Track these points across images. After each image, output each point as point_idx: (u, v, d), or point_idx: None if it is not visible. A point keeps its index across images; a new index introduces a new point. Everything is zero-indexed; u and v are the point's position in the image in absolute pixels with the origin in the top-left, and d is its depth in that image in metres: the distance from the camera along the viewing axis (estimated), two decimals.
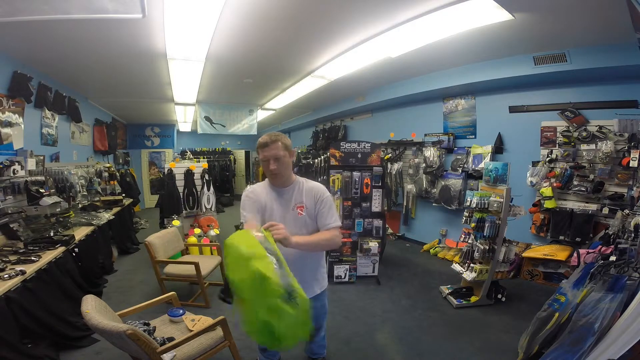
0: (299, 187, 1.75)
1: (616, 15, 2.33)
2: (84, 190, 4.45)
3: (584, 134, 3.40)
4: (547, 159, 3.64)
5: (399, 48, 3.31)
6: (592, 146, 3.32)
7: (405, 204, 5.55)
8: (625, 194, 3.13)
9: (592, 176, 3.32)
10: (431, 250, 4.97)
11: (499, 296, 3.20)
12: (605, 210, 3.21)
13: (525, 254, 3.47)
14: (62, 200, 3.40)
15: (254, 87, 5.23)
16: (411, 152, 5.42)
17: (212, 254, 3.97)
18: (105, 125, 6.36)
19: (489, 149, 4.29)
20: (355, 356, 2.41)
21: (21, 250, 2.64)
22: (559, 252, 3.33)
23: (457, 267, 3.39)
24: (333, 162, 3.83)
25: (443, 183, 4.81)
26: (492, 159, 4.21)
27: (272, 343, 1.21)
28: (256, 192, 1.79)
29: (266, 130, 10.92)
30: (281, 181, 1.73)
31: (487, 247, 3.09)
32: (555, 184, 3.52)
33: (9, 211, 2.90)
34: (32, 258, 2.46)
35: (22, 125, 3.44)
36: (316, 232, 1.72)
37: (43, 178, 3.41)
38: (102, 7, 2.21)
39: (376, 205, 3.90)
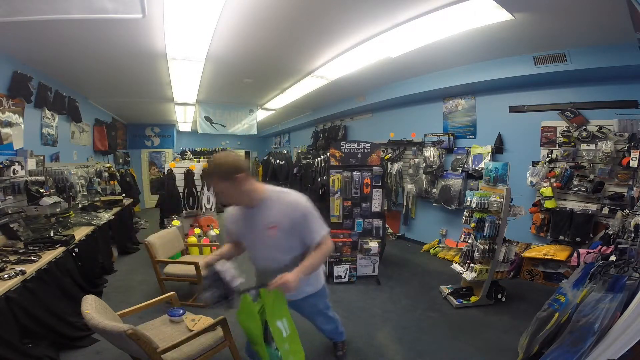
0: (269, 205, 1.55)
1: (616, 15, 2.33)
2: (84, 190, 4.45)
3: (584, 134, 3.40)
4: (547, 159, 3.64)
5: (399, 48, 3.31)
6: (592, 146, 3.32)
7: (405, 204, 5.55)
8: (625, 194, 3.13)
9: (592, 176, 3.32)
10: (431, 250, 4.96)
11: (499, 296, 3.20)
12: (605, 210, 3.21)
13: (525, 254, 3.47)
14: (62, 200, 3.40)
15: (254, 87, 5.23)
16: (411, 152, 5.42)
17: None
18: (105, 125, 6.36)
19: (489, 149, 4.29)
20: (355, 356, 2.41)
21: (21, 250, 2.64)
22: (559, 252, 3.33)
23: (457, 267, 3.39)
24: (333, 162, 3.83)
25: (443, 183, 4.81)
26: (492, 159, 4.21)
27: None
28: (230, 216, 1.73)
29: (266, 130, 10.93)
30: (244, 204, 1.60)
31: (487, 247, 3.09)
32: (555, 184, 3.52)
33: (9, 211, 2.90)
34: (32, 258, 2.46)
35: (22, 125, 3.44)
36: (294, 248, 1.62)
37: (43, 178, 3.41)
38: (102, 7, 2.21)
39: (376, 205, 3.90)
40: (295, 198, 1.58)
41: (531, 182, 3.72)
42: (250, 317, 1.50)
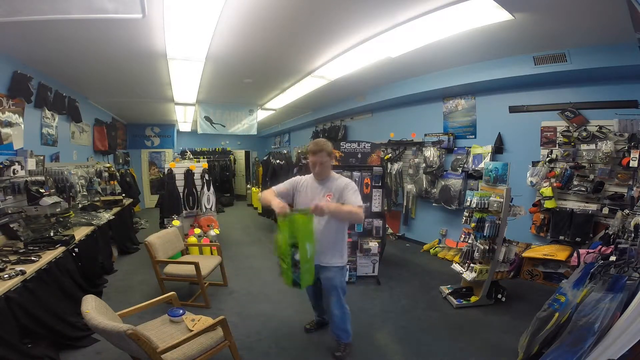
0: (332, 181, 2.26)
1: (616, 15, 2.33)
2: (84, 190, 4.45)
3: (584, 134, 3.40)
4: (547, 159, 3.64)
5: (399, 48, 3.31)
6: (592, 146, 3.32)
7: (405, 204, 5.55)
8: (625, 194, 3.13)
9: (592, 176, 3.32)
10: (431, 250, 4.97)
11: (499, 296, 3.20)
12: (605, 210, 3.21)
13: (525, 254, 3.47)
14: (62, 200, 3.40)
15: (254, 87, 5.23)
16: (411, 152, 5.42)
17: (212, 254, 3.97)
18: (105, 125, 6.36)
19: (489, 149, 4.30)
20: (355, 356, 2.40)
21: (21, 250, 2.64)
22: (559, 252, 3.33)
23: (457, 267, 3.39)
24: (333, 162, 3.83)
25: (443, 183, 4.81)
26: (492, 159, 4.21)
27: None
28: (301, 178, 2.38)
29: (266, 130, 10.93)
30: (321, 177, 2.27)
31: (487, 247, 3.09)
32: (555, 184, 3.52)
33: (9, 211, 2.90)
34: (32, 258, 2.46)
35: (22, 125, 3.43)
36: None
37: (43, 178, 3.41)
38: (102, 7, 2.21)
39: (376, 205, 3.90)
40: (345, 179, 2.28)
41: (531, 182, 3.72)
42: (283, 234, 2.05)
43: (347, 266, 2.37)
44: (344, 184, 2.21)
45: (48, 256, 2.58)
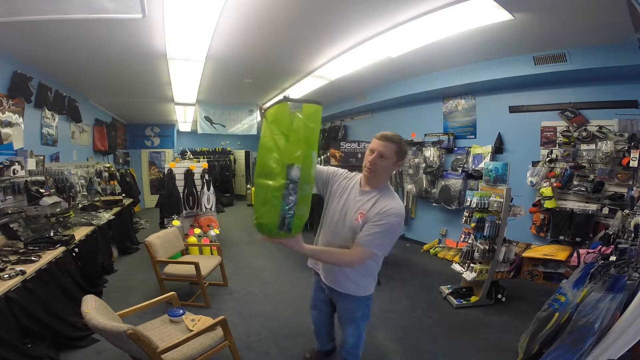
0: (376, 198, 1.61)
1: (616, 15, 2.33)
2: (84, 190, 4.45)
3: (584, 134, 3.40)
4: (547, 159, 3.64)
5: (399, 48, 3.31)
6: (592, 146, 3.32)
7: (405, 204, 5.55)
8: (625, 194, 3.14)
9: (592, 176, 3.32)
10: (431, 250, 4.97)
11: (499, 296, 3.20)
12: (605, 210, 3.22)
13: (525, 254, 3.47)
14: (62, 200, 3.40)
15: (254, 87, 5.22)
16: (411, 152, 5.42)
17: (212, 254, 3.97)
18: (105, 125, 6.36)
19: (489, 149, 4.30)
20: None
21: (21, 250, 2.64)
22: (559, 252, 3.33)
23: (457, 267, 3.39)
24: (333, 162, 3.83)
25: (443, 183, 4.82)
26: (492, 159, 4.21)
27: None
28: (345, 173, 1.82)
29: None
30: (370, 182, 1.66)
31: (487, 247, 3.09)
32: (555, 184, 3.52)
33: (9, 211, 2.89)
34: (32, 258, 2.46)
35: (22, 125, 3.43)
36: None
37: (43, 178, 3.41)
38: (102, 7, 2.20)
39: None
40: (392, 206, 1.57)
41: (531, 182, 3.72)
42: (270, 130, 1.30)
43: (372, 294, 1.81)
44: (384, 210, 1.54)
45: (48, 256, 2.58)
